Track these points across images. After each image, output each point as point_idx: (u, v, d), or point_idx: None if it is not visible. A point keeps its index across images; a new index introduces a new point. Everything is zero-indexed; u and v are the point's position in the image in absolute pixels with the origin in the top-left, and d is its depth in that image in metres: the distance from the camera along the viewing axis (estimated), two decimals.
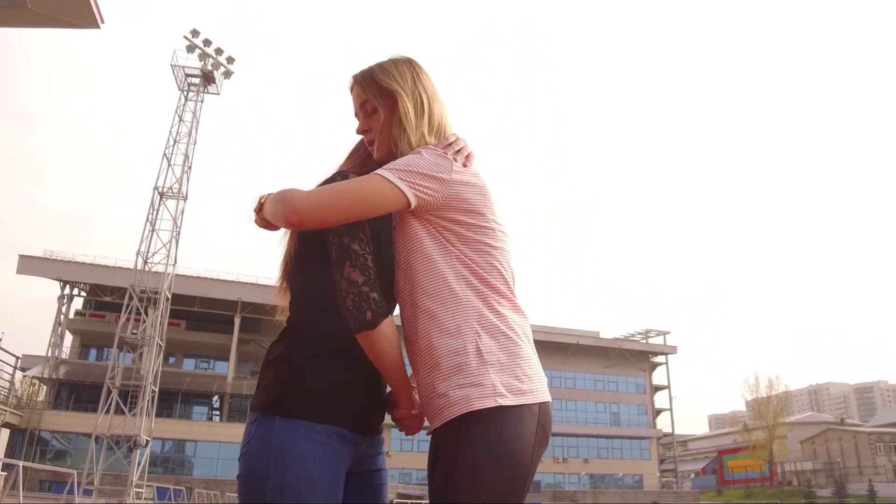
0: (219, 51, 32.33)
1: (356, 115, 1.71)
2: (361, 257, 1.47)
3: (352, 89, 1.71)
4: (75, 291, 42.82)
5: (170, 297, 30.11)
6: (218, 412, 42.66)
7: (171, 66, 31.99)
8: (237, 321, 42.05)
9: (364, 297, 1.43)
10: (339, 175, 1.58)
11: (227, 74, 32.81)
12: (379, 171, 1.47)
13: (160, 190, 30.69)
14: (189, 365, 44.98)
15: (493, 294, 1.50)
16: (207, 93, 32.92)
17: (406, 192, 1.45)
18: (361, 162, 1.71)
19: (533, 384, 1.46)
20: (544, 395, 1.48)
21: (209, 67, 32.23)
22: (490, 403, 1.39)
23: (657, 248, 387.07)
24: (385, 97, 1.62)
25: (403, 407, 1.58)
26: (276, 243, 1.69)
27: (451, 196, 1.49)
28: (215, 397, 42.67)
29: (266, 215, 1.54)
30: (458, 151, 1.58)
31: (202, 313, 42.35)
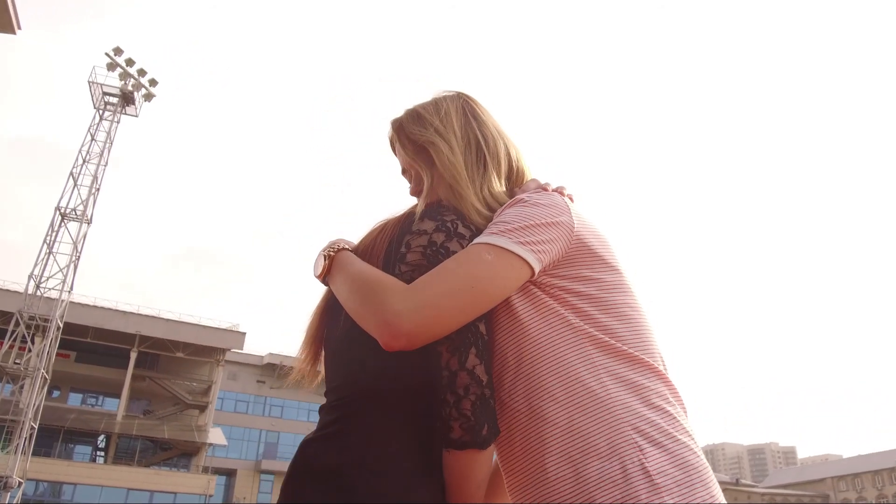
0: (141, 72, 31.15)
1: (402, 174, 1.39)
2: (487, 345, 1.08)
3: (392, 143, 1.39)
4: None
5: (62, 325, 27.96)
6: (103, 453, 39.59)
7: (89, 82, 30.48)
8: (133, 356, 39.46)
9: (487, 403, 1.04)
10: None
11: (149, 97, 31.65)
12: (486, 237, 1.09)
13: (62, 211, 28.80)
14: (75, 400, 41.62)
15: (648, 379, 1.08)
16: (125, 114, 31.52)
17: (529, 259, 1.07)
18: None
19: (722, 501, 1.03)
20: None
21: (129, 88, 30.97)
22: None
23: None
24: (422, 153, 1.29)
25: None
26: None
27: (573, 245, 1.12)
28: (101, 437, 39.65)
29: (339, 296, 1.14)
30: (560, 188, 1.24)
31: (95, 345, 39.49)
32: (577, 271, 1.12)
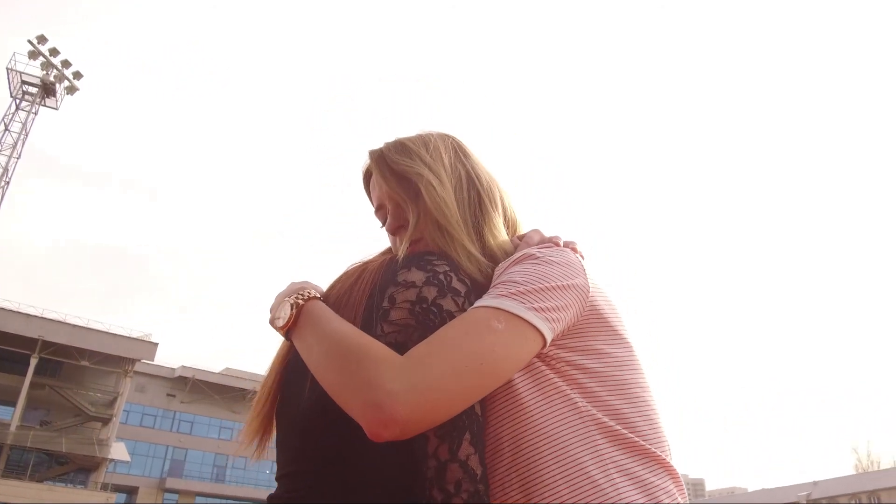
0: (66, 63, 29.75)
1: (375, 212, 1.21)
2: (483, 429, 0.91)
3: (366, 175, 1.23)
4: None
5: None
6: None
7: (7, 69, 28.88)
8: (33, 362, 37.14)
9: (480, 500, 0.86)
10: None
11: (71, 90, 30.23)
12: (494, 300, 0.90)
13: None
14: None
15: (658, 476, 0.93)
16: (44, 105, 29.98)
17: (543, 329, 0.89)
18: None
19: None
20: None
21: (51, 79, 29.48)
22: None
23: None
24: (405, 185, 1.10)
25: None
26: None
27: (586, 312, 0.96)
28: None
29: (308, 359, 0.90)
30: (571, 243, 1.08)
31: None
32: (587, 343, 0.96)
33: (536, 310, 0.89)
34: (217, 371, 43.66)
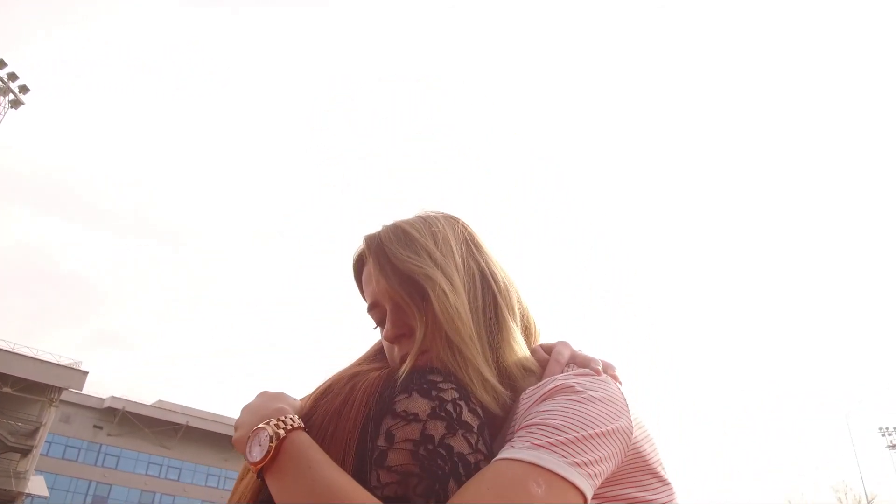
0: (12, 76, 28.94)
1: (368, 310, 1.00)
2: None
3: (358, 263, 1.03)
4: None
5: None
6: None
7: None
8: None
9: None
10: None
11: (16, 104, 29.34)
12: (532, 452, 0.74)
13: None
14: None
15: None
16: None
17: (584, 488, 0.75)
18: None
19: None
20: None
21: None
22: None
23: None
24: (410, 287, 0.92)
25: None
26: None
27: (627, 457, 0.82)
28: None
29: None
30: (609, 367, 0.94)
31: None
32: (626, 491, 0.83)
33: (579, 465, 0.74)
34: (149, 403, 41.93)
